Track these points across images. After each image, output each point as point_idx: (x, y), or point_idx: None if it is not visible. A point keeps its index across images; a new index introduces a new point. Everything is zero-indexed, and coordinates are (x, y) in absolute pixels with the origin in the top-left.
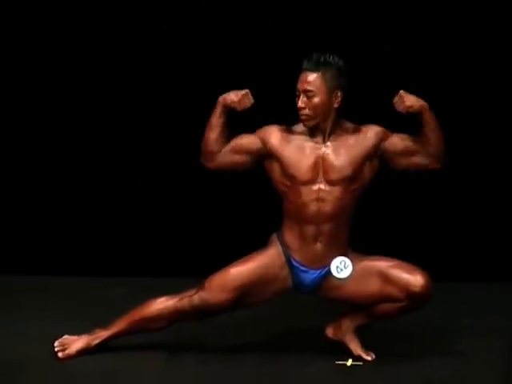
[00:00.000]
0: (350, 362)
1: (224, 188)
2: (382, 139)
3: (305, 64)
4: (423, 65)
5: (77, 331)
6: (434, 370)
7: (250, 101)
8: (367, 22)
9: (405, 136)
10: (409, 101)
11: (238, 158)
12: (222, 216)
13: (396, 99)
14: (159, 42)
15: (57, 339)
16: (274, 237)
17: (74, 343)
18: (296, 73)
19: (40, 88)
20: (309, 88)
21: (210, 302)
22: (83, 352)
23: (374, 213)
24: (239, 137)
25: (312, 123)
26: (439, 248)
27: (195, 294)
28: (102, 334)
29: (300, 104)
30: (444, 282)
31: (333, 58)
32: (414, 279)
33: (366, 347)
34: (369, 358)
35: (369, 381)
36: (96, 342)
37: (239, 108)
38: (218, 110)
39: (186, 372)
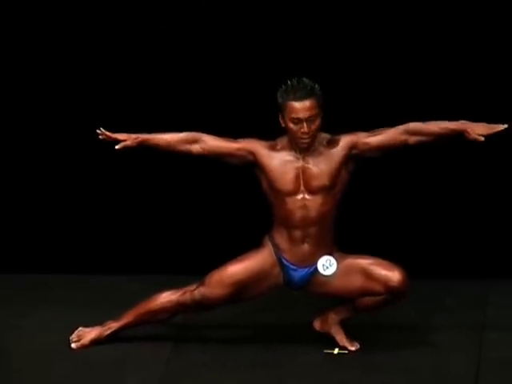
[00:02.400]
0: (336, 351)
1: (224, 196)
2: (352, 145)
3: (296, 94)
4: (422, 65)
5: (91, 323)
6: (411, 358)
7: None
8: (366, 21)
9: (375, 132)
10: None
11: (224, 159)
12: (221, 219)
13: (490, 128)
14: (159, 43)
15: (73, 330)
16: (266, 239)
17: (88, 334)
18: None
19: (40, 88)
20: (311, 114)
21: (210, 296)
22: (96, 342)
23: (356, 214)
24: (225, 141)
25: (310, 144)
26: (415, 247)
27: (196, 289)
28: (112, 326)
29: (306, 130)
30: (420, 279)
31: (312, 82)
32: (393, 275)
33: (351, 338)
34: (353, 348)
35: (354, 368)
36: (107, 332)
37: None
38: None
39: (190, 360)
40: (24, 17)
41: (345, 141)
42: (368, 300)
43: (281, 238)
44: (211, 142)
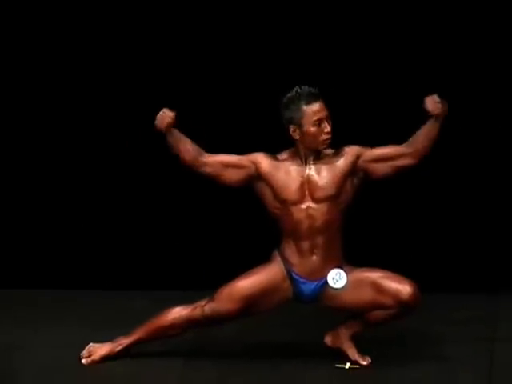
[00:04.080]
0: (348, 366)
1: (231, 211)
2: (358, 155)
3: (309, 98)
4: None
5: (103, 339)
6: (423, 372)
7: (170, 117)
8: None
9: (379, 147)
10: (445, 105)
11: (227, 173)
12: (228, 234)
13: (434, 102)
14: (157, 43)
15: (83, 347)
16: (275, 253)
17: (99, 350)
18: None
19: (39, 94)
20: (327, 113)
21: (220, 311)
22: (107, 358)
23: (366, 228)
24: (229, 154)
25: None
26: (426, 261)
27: (206, 304)
28: (123, 342)
29: (329, 129)
30: (431, 292)
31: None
32: (403, 288)
33: (362, 352)
34: (365, 363)
35: (366, 382)
36: (118, 348)
37: (159, 127)
38: (165, 134)
39: (200, 376)
40: (24, 17)
41: (350, 150)
42: (378, 314)
43: (290, 251)
44: (215, 156)
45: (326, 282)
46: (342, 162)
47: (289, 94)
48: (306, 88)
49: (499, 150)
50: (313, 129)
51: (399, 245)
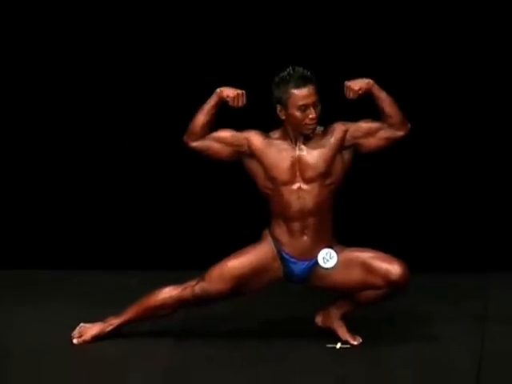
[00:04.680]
0: (338, 345)
1: (222, 191)
2: (346, 130)
3: (298, 81)
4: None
5: (92, 319)
6: (414, 351)
7: (242, 102)
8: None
9: (365, 120)
10: (356, 85)
11: (218, 147)
12: (220, 214)
13: (345, 91)
14: (155, 43)
15: (74, 326)
16: (266, 232)
17: (90, 330)
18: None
19: (40, 88)
20: (316, 99)
21: (210, 291)
22: (98, 338)
23: (357, 207)
24: (225, 129)
25: (314, 130)
26: (417, 240)
27: (196, 284)
28: (114, 322)
29: (314, 115)
30: (421, 272)
31: (306, 69)
32: (393, 268)
33: (353, 332)
34: (355, 342)
35: (357, 362)
36: (109, 328)
37: (231, 104)
38: (213, 100)
39: (191, 355)
40: (24, 17)
41: (337, 127)
42: (368, 293)
43: (280, 231)
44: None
45: (317, 262)
46: (330, 140)
47: (281, 74)
48: (299, 70)
49: (489, 130)
50: (297, 113)
51: (389, 225)
